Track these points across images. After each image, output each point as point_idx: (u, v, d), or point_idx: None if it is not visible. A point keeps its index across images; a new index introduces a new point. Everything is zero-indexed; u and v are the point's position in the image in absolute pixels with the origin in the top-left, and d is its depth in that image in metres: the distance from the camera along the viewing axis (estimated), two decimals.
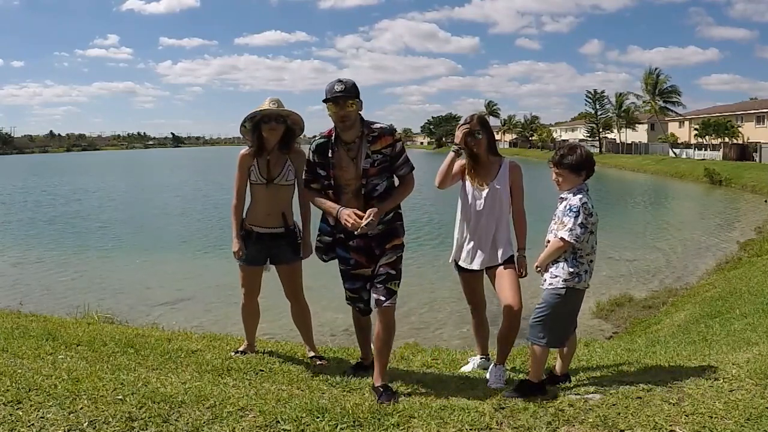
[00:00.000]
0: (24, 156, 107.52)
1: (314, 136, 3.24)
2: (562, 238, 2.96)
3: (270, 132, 3.53)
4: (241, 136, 3.70)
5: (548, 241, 3.06)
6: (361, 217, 3.00)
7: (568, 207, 3.00)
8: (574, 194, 3.03)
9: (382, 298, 3.09)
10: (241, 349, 3.95)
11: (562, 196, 3.08)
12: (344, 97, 3.00)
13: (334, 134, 3.15)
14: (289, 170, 3.61)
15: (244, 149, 3.66)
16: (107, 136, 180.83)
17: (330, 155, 3.13)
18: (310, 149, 3.23)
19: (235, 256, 3.66)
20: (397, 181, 3.28)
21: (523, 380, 3.07)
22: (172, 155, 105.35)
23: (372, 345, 3.25)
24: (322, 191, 3.22)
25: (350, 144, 3.11)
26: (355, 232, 3.01)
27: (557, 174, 3.09)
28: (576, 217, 2.95)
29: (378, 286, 3.10)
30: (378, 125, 3.13)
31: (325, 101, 3.03)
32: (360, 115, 3.11)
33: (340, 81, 3.01)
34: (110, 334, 4.48)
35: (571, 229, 2.94)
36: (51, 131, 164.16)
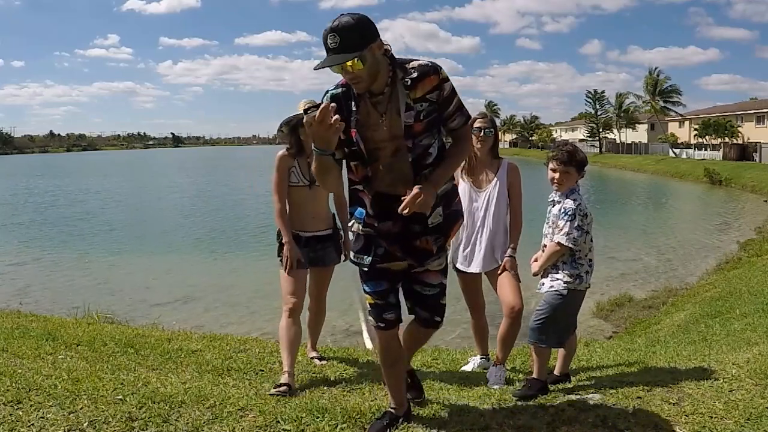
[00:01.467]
0: (24, 156, 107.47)
1: (327, 91, 2.31)
2: (559, 243, 2.91)
3: (307, 135, 3.44)
4: (278, 140, 3.58)
5: (545, 246, 3.01)
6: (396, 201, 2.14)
7: (563, 210, 2.93)
8: (567, 196, 2.95)
9: (438, 318, 2.51)
10: (281, 382, 3.11)
11: (555, 198, 3.00)
12: (341, 58, 2.04)
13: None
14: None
15: (281, 150, 3.49)
16: (107, 136, 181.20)
17: (354, 109, 2.22)
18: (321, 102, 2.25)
19: (288, 263, 3.36)
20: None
21: (529, 378, 3.04)
22: (173, 155, 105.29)
23: (404, 345, 2.60)
24: (338, 163, 2.28)
25: (378, 96, 2.22)
26: (403, 212, 2.12)
27: (563, 173, 2.94)
28: (572, 221, 2.89)
29: (429, 302, 2.47)
30: (416, 63, 2.22)
31: (318, 68, 2.08)
32: (385, 53, 2.17)
33: (332, 30, 2.03)
34: (110, 334, 4.48)
35: (567, 233, 2.89)
36: (51, 131, 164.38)
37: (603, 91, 64.56)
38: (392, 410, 2.49)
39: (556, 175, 2.97)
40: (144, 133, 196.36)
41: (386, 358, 2.51)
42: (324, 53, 2.10)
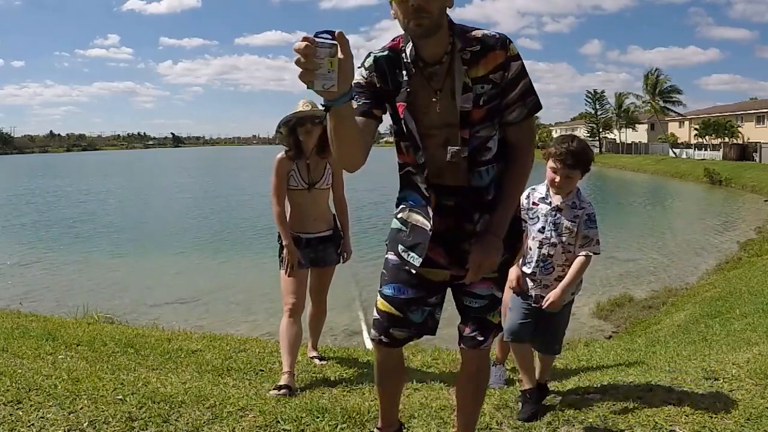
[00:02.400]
0: (24, 156, 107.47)
1: (369, 53, 1.84)
2: (588, 256, 2.63)
3: (306, 135, 3.38)
4: (276, 140, 3.54)
5: (545, 257, 2.66)
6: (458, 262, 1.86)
7: (587, 218, 2.62)
8: (581, 199, 2.66)
9: (481, 338, 1.97)
10: (282, 383, 3.11)
11: (569, 203, 2.64)
12: None
13: (404, 46, 1.79)
14: (329, 174, 3.50)
15: (280, 153, 3.46)
16: (107, 136, 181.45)
17: (406, 78, 1.77)
18: (361, 70, 1.83)
19: (288, 264, 3.38)
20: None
21: (535, 388, 2.80)
22: (173, 156, 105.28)
23: (455, 398, 2.20)
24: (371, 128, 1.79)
25: (433, 66, 1.77)
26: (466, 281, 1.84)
27: (565, 177, 2.58)
28: (597, 227, 2.65)
29: (472, 315, 1.97)
30: (479, 32, 1.76)
31: None
32: (449, 19, 1.76)
33: None
34: (110, 334, 4.48)
35: (598, 242, 2.65)
36: (51, 131, 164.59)
37: (603, 91, 64.73)
38: (378, 431, 2.20)
39: (557, 178, 2.60)
40: (144, 133, 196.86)
41: (380, 373, 2.08)
42: None
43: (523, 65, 1.78)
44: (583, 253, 2.64)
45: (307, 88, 1.44)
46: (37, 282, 10.65)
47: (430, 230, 1.86)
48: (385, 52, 1.82)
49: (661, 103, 53.88)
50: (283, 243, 3.42)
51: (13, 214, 20.75)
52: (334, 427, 2.43)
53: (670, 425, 2.44)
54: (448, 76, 1.76)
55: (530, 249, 2.71)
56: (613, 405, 2.64)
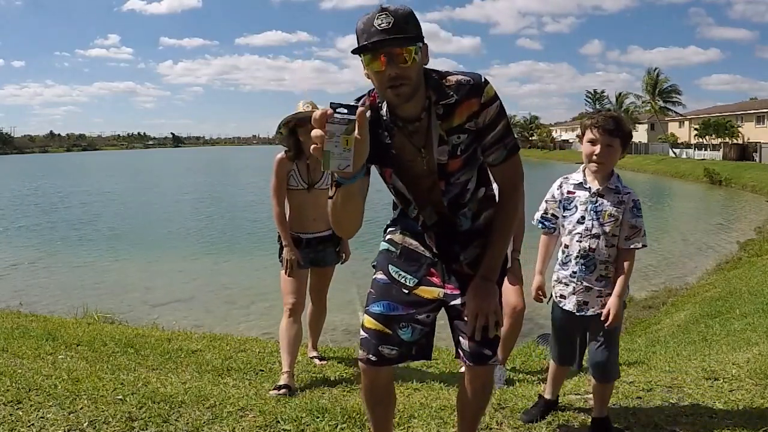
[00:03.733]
0: (24, 156, 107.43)
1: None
2: (635, 249, 2.34)
3: (306, 136, 3.32)
4: (276, 140, 3.53)
5: (586, 253, 2.32)
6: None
7: (632, 204, 2.30)
8: (622, 184, 2.35)
9: (488, 352, 1.86)
10: (281, 383, 3.12)
11: (611, 186, 2.32)
12: (393, 41, 1.55)
13: (380, 102, 1.74)
14: (329, 174, 3.50)
15: (280, 154, 3.46)
16: (107, 136, 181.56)
17: (389, 141, 1.75)
18: None
19: (288, 264, 3.38)
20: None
21: (554, 401, 2.63)
22: (174, 156, 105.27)
23: (458, 408, 2.11)
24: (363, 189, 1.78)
25: (413, 123, 1.73)
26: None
27: (606, 146, 2.26)
28: (642, 216, 2.33)
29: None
30: (453, 78, 1.69)
31: (357, 51, 1.60)
32: (425, 69, 1.69)
33: (383, 11, 1.57)
34: (110, 334, 4.48)
35: (645, 233, 2.33)
36: (51, 131, 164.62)
37: (603, 91, 64.86)
38: None
39: (597, 149, 2.27)
40: (144, 133, 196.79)
41: (370, 397, 1.96)
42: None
43: (499, 106, 1.72)
44: (631, 245, 2.32)
45: (322, 166, 1.41)
46: (37, 282, 10.64)
47: (431, 255, 1.88)
48: (368, 110, 1.69)
49: (661, 103, 53.86)
50: (283, 243, 3.43)
51: (14, 215, 20.74)
52: (334, 427, 2.43)
53: (670, 425, 2.44)
54: (428, 131, 1.73)
55: (566, 247, 2.39)
56: (613, 405, 2.64)
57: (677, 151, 48.22)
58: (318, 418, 2.49)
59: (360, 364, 1.92)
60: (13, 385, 2.61)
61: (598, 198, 2.32)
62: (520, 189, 1.88)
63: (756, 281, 7.98)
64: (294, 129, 3.40)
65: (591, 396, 2.64)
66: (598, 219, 2.31)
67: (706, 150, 44.14)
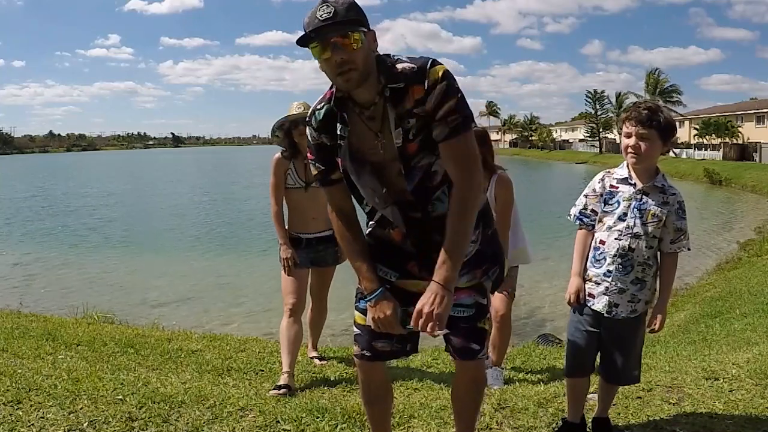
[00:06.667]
0: (24, 156, 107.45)
1: (313, 111, 1.83)
2: (677, 253, 2.24)
3: (301, 137, 3.38)
4: (273, 143, 3.57)
5: (625, 252, 2.21)
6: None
7: (678, 206, 2.20)
8: (668, 183, 2.24)
9: (476, 347, 1.90)
10: (281, 383, 3.12)
11: (657, 184, 2.21)
12: (335, 27, 1.61)
13: (336, 96, 1.77)
14: None
15: (277, 153, 3.50)
16: (107, 136, 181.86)
17: (341, 130, 1.77)
18: (310, 129, 1.84)
19: (286, 263, 3.39)
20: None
21: (580, 424, 2.46)
22: (175, 156, 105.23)
23: (453, 406, 2.13)
24: (345, 187, 1.87)
25: (369, 108, 1.75)
26: (431, 333, 1.71)
27: (642, 138, 2.15)
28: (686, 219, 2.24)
29: (461, 324, 1.88)
30: (401, 65, 1.71)
31: (303, 43, 1.65)
32: (377, 54, 1.73)
33: (324, 2, 1.64)
34: (110, 334, 4.48)
35: (688, 236, 2.23)
36: (51, 131, 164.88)
37: (603, 91, 64.84)
38: None
39: (631, 141, 2.18)
40: (144, 133, 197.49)
41: (367, 394, 2.00)
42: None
43: (446, 86, 1.67)
44: (675, 249, 2.22)
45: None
46: (37, 282, 10.64)
47: (409, 247, 1.86)
48: (326, 106, 1.79)
49: (662, 103, 53.85)
50: (279, 242, 3.45)
51: (16, 216, 20.75)
52: (334, 427, 2.43)
53: (670, 425, 2.44)
54: (383, 115, 1.74)
55: (601, 243, 2.26)
56: (613, 405, 2.64)
57: (677, 150, 48.15)
58: (318, 418, 2.49)
59: (355, 359, 1.97)
60: (13, 385, 2.61)
61: (643, 195, 2.22)
62: (476, 176, 1.73)
63: (756, 281, 7.97)
64: (289, 130, 3.44)
65: (591, 396, 2.64)
66: (641, 217, 2.20)
67: (706, 150, 44.13)
